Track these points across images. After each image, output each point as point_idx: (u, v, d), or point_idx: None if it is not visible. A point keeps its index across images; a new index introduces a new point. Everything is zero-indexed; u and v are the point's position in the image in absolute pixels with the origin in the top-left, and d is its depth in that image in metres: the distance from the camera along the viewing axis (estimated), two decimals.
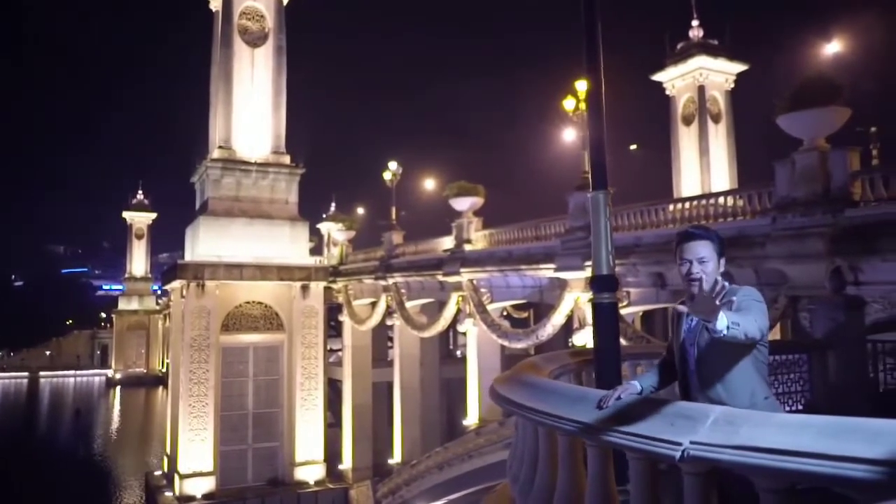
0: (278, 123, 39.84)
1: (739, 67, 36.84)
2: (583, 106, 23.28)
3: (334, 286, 42.08)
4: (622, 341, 20.71)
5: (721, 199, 20.09)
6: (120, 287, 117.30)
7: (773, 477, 2.32)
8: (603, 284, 5.99)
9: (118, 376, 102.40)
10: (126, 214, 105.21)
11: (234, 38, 38.82)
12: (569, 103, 23.57)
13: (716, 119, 36.96)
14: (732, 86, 37.37)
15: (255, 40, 39.52)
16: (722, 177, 35.97)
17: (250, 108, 38.96)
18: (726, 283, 3.38)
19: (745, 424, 2.43)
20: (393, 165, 37.95)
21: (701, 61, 35.80)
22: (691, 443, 2.57)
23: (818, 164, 15.78)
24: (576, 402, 3.49)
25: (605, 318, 5.96)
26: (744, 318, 3.27)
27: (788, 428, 2.29)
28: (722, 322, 3.12)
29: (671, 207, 21.56)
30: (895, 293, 14.90)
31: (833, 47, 28.04)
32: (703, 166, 36.22)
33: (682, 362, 3.78)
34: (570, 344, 25.94)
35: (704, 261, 3.65)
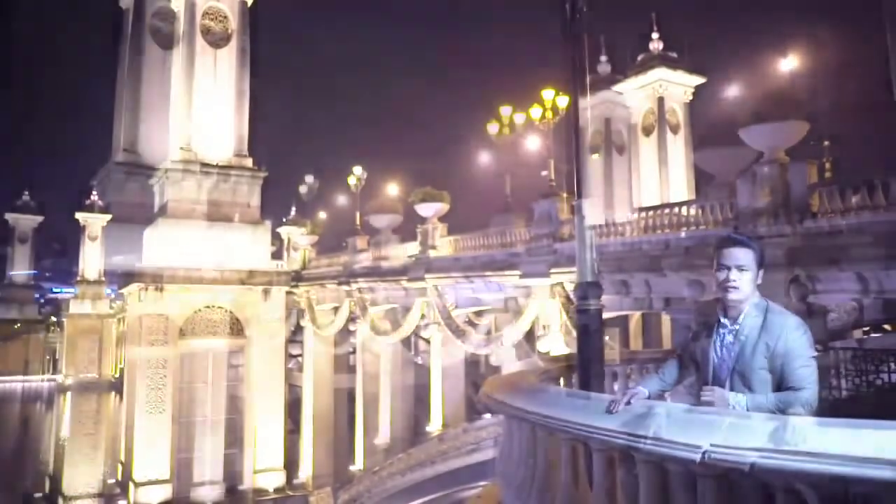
0: (241, 126, 39.32)
1: (697, 80, 37.83)
2: (549, 115, 23.62)
3: (296, 291, 41.65)
4: None
5: (681, 209, 20.55)
6: (72, 290, 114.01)
7: (794, 478, 2.40)
8: (587, 291, 6.09)
9: (69, 382, 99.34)
10: (79, 216, 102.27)
11: (196, 38, 38.21)
12: (535, 111, 23.81)
13: (674, 130, 37.84)
14: (691, 98, 38.32)
15: (217, 41, 38.98)
16: (680, 186, 36.79)
17: (212, 109, 38.36)
18: (763, 301, 3.45)
19: (765, 428, 2.52)
20: (358, 170, 37.81)
21: (660, 73, 36.71)
22: (712, 445, 2.65)
23: (778, 176, 16.28)
24: (583, 407, 3.56)
25: (590, 323, 6.06)
26: (787, 398, 3.29)
27: (811, 431, 2.39)
28: (740, 408, 3.23)
29: (631, 216, 21.94)
30: (850, 302, 15.43)
31: (789, 63, 28.88)
32: (662, 176, 37.04)
33: (712, 374, 3.70)
34: (535, 350, 26.18)
35: (743, 269, 3.59)
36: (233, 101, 38.98)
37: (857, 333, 19.45)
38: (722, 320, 3.70)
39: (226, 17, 39.22)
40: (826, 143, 30.21)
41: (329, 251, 45.49)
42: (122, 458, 38.47)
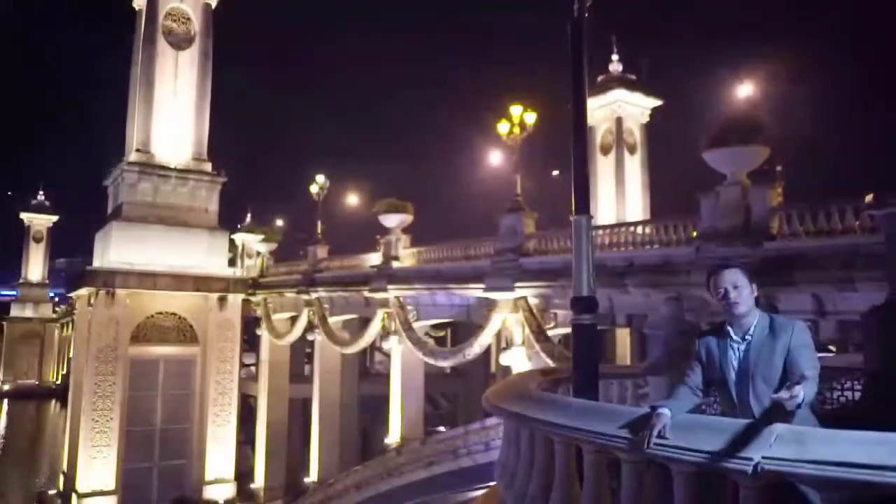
0: (201, 129, 38.75)
1: (654, 102, 38.85)
2: (517, 130, 23.88)
3: (253, 299, 41.05)
4: (549, 362, 21.20)
5: (641, 228, 21.03)
6: (13, 293, 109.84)
7: (847, 489, 2.53)
8: (583, 305, 6.21)
9: (6, 388, 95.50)
10: (24, 216, 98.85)
11: (157, 39, 37.59)
12: (503, 127, 24.05)
13: (631, 150, 38.71)
14: (647, 119, 39.29)
15: (179, 42, 38.41)
16: (636, 205, 37.63)
17: (172, 112, 37.74)
18: (765, 314, 3.64)
19: (812, 440, 2.65)
20: (321, 179, 37.53)
21: (619, 94, 37.58)
22: (763, 458, 2.77)
23: (740, 198, 16.81)
24: (618, 419, 3.64)
25: (585, 338, 6.17)
26: (809, 387, 3.49)
27: (861, 443, 2.52)
28: (800, 399, 3.36)
29: (595, 233, 22.29)
30: (807, 322, 15.97)
31: (745, 90, 29.83)
32: (619, 194, 37.80)
33: (735, 388, 3.89)
34: (496, 364, 26.33)
35: (738, 286, 3.93)
36: (193, 104, 38.41)
37: None
38: (734, 337, 3.98)
39: (189, 19, 38.70)
40: (779, 168, 31.21)
41: (283, 259, 45.05)
42: (65, 468, 37.16)
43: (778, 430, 2.91)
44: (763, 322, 3.91)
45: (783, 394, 3.22)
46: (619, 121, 38.20)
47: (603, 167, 38.88)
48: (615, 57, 38.75)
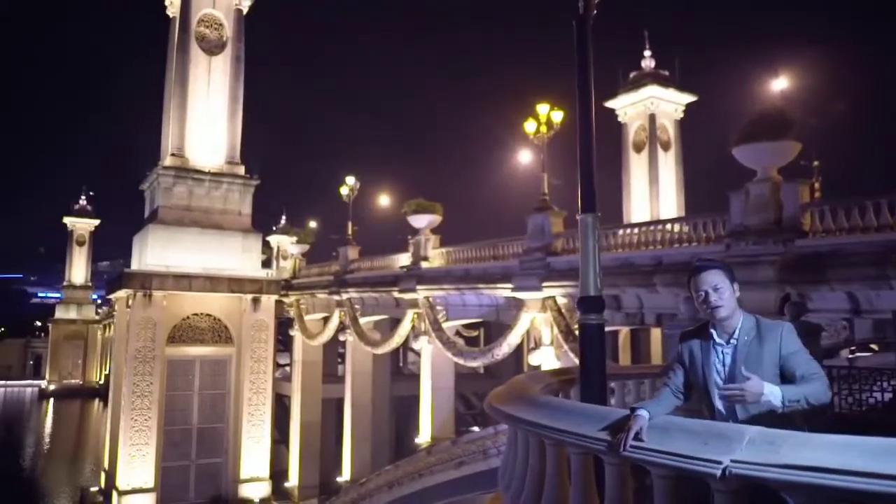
0: (234, 133, 39.31)
1: (689, 98, 38.14)
2: (544, 129, 23.72)
3: (286, 300, 41.51)
4: (577, 361, 21.02)
5: (671, 226, 20.66)
6: (57, 295, 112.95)
7: (818, 495, 2.44)
8: (590, 305, 6.13)
9: (52, 387, 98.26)
10: (67, 220, 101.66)
11: (190, 45, 38.25)
12: (530, 126, 23.90)
13: (665, 147, 38.08)
14: (682, 115, 38.62)
15: (212, 48, 39.02)
16: (670, 203, 37.01)
17: (205, 116, 38.36)
18: (750, 315, 3.54)
19: (786, 444, 2.56)
20: (351, 180, 37.78)
21: (652, 90, 36.96)
22: (732, 461, 2.69)
23: (771, 195, 16.42)
24: (599, 421, 3.58)
25: (592, 338, 6.09)
26: (808, 386, 3.44)
27: (834, 447, 2.43)
28: (776, 399, 3.33)
29: (624, 232, 22.02)
30: (840, 321, 15.56)
31: (780, 83, 29.16)
32: (653, 192, 37.22)
33: (711, 393, 3.80)
34: (525, 364, 26.19)
35: (719, 288, 3.76)
36: (226, 108, 38.98)
37: (844, 353, 19.67)
38: (718, 340, 3.84)
39: (221, 25, 39.28)
40: (816, 163, 30.46)
41: (316, 261, 45.43)
42: (106, 465, 38.06)
43: (751, 433, 2.82)
44: (748, 324, 3.76)
45: (732, 386, 3.15)
46: (652, 117, 37.62)
47: (636, 165, 38.37)
48: (647, 53, 38.15)
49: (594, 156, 6.72)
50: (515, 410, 4.43)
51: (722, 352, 3.80)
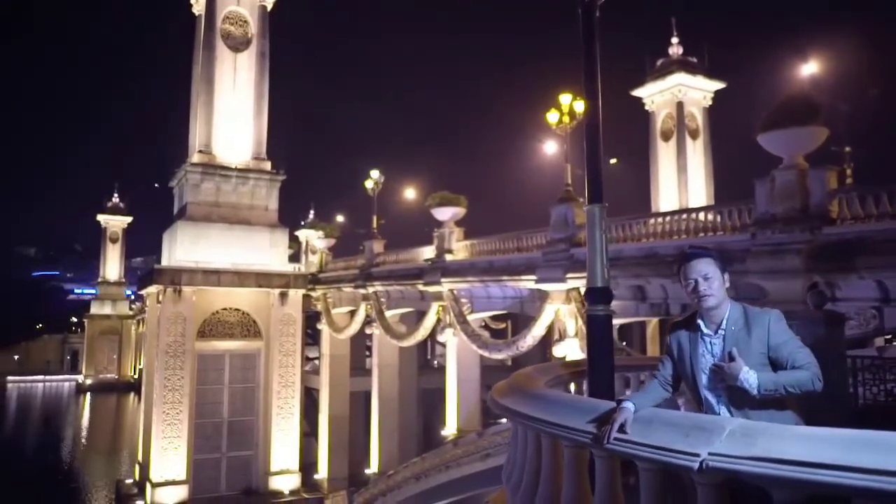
0: (260, 129, 39.62)
1: (717, 85, 37.48)
2: (566, 119, 23.53)
3: (313, 294, 41.85)
4: None
5: (698, 215, 20.37)
6: (93, 291, 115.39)
7: (793, 488, 2.37)
8: (597, 297, 6.05)
9: (89, 382, 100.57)
10: (101, 217, 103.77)
11: (216, 42, 38.60)
12: (552, 116, 23.72)
13: (693, 135, 37.49)
14: (710, 103, 37.98)
15: (237, 45, 39.33)
16: (699, 192, 36.47)
17: (232, 113, 38.73)
18: (737, 304, 3.47)
19: (763, 436, 2.50)
20: (375, 174, 37.90)
21: (680, 78, 36.38)
22: (709, 454, 2.63)
23: (797, 182, 16.08)
24: (587, 413, 3.54)
25: (600, 330, 6.01)
26: (787, 375, 3.40)
27: (810, 440, 2.36)
28: (751, 386, 3.31)
29: (650, 221, 21.80)
30: (869, 310, 15.20)
31: (809, 68, 28.54)
32: (681, 181, 36.71)
33: (699, 384, 3.76)
34: (549, 356, 26.07)
35: (709, 277, 3.69)
36: (252, 104, 39.29)
37: (879, 341, 19.23)
38: (705, 330, 3.77)
39: (246, 22, 39.56)
40: (847, 148, 29.80)
41: (344, 254, 45.71)
42: (140, 458, 38.83)
43: (732, 425, 2.75)
44: (735, 313, 3.69)
45: (718, 363, 3.09)
46: (679, 105, 37.05)
47: (664, 154, 37.85)
48: (675, 39, 37.55)
49: (601, 147, 6.62)
50: (512, 403, 4.41)
51: (710, 342, 3.73)
